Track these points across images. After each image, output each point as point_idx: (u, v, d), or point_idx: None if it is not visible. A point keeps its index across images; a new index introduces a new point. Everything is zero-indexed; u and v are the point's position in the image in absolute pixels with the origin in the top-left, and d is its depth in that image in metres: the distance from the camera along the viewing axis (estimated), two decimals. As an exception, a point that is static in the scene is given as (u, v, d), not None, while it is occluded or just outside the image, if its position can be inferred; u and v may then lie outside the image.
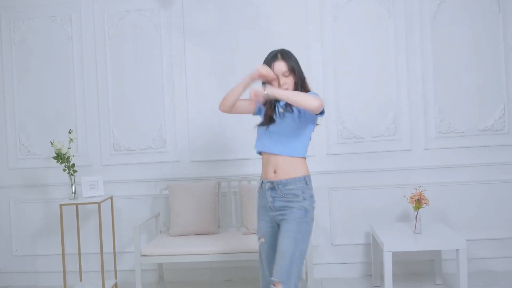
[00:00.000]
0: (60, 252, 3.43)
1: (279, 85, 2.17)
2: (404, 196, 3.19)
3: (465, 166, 3.53)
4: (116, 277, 3.49)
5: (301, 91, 2.19)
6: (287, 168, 2.16)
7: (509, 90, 3.52)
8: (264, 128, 2.24)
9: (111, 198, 3.45)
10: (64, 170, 3.29)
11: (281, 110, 2.22)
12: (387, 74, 3.59)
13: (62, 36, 3.80)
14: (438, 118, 3.57)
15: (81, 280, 3.52)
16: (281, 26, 3.63)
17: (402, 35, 3.57)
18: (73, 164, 3.29)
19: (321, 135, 3.56)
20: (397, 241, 2.92)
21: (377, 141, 3.61)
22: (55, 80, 3.80)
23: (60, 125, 3.76)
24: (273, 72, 2.16)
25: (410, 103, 3.58)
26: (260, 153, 2.29)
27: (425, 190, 3.10)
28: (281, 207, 2.16)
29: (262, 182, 2.23)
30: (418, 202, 2.96)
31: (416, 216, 3.00)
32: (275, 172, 2.18)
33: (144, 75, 3.76)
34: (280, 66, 2.18)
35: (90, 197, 3.28)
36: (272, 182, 2.18)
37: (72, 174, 3.27)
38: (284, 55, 2.20)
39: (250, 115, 2.41)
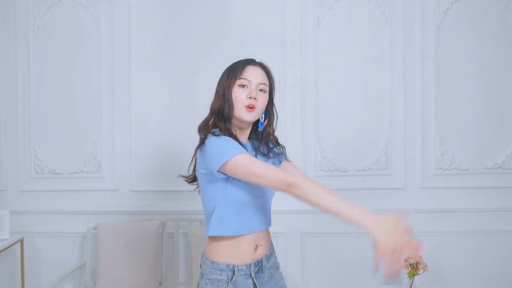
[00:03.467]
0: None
1: (252, 97, 1.51)
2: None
3: (470, 211, 2.88)
4: None
5: (265, 119, 1.61)
6: (268, 238, 1.63)
7: (526, 120, 2.89)
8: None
9: (22, 241, 2.68)
10: (-46, 205, 2.50)
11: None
12: (379, 92, 2.92)
13: (-25, 25, 3.00)
14: (439, 151, 2.92)
15: None
16: (252, 28, 2.90)
17: (399, 46, 2.90)
18: (-35, 199, 2.50)
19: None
20: (387, 320, 2.24)
21: (364, 175, 2.93)
22: (-38, 81, 2.99)
23: (-35, 140, 2.95)
24: (246, 79, 1.51)
25: (406, 130, 2.92)
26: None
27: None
28: None
29: (235, 271, 1.50)
30: (415, 268, 2.29)
31: (411, 285, 2.33)
32: (256, 248, 1.56)
33: (78, 79, 2.98)
34: (257, 73, 1.54)
35: (-12, 241, 2.50)
36: (257, 263, 1.54)
37: (-36, 212, 2.49)
38: (264, 64, 1.59)
39: None
